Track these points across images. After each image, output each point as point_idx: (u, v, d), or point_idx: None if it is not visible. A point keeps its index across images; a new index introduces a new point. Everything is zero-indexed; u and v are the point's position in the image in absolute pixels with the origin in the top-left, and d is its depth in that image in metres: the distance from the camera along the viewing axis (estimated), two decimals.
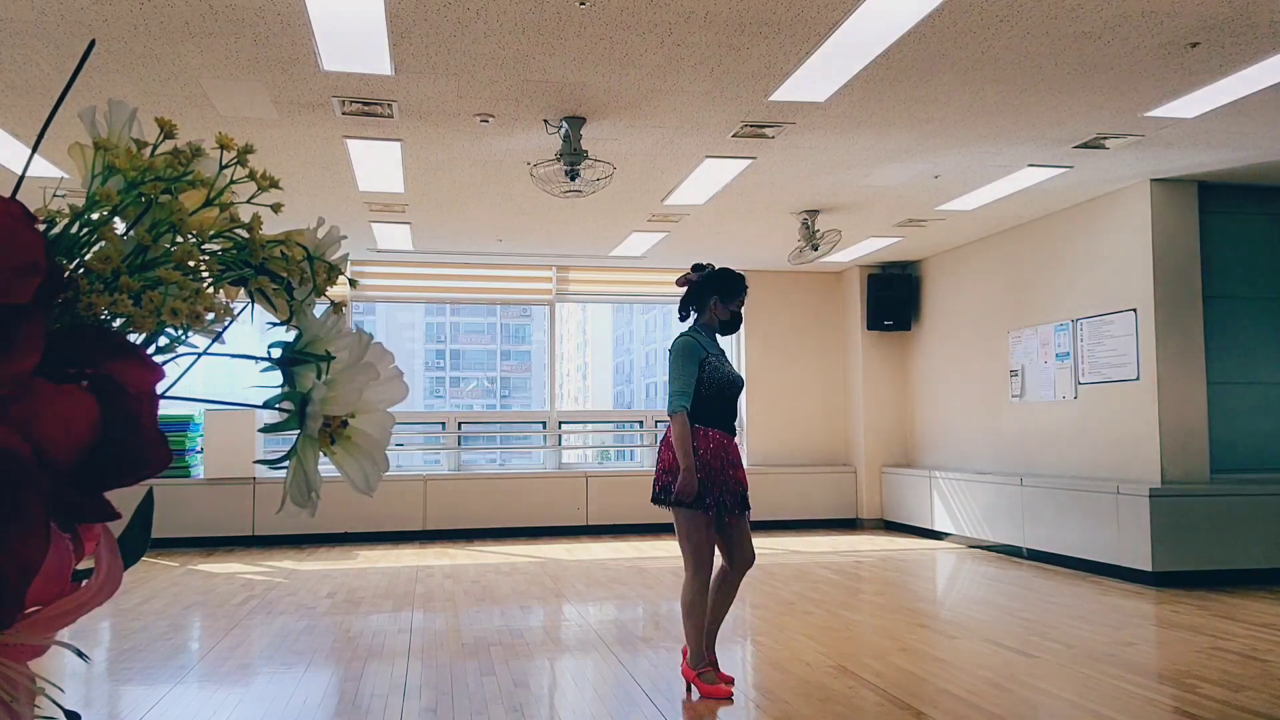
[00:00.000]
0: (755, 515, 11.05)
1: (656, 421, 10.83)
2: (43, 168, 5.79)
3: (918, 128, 5.73)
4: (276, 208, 0.59)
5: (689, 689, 4.15)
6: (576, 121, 5.50)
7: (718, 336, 4.32)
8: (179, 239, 0.54)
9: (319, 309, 0.61)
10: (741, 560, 4.16)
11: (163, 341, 0.54)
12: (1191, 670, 4.38)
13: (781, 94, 5.12)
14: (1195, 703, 3.87)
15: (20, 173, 1.15)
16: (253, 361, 0.59)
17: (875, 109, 5.39)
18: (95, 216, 0.52)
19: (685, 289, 4.34)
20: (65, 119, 0.61)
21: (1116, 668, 4.43)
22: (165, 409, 0.52)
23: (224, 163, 0.57)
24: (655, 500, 4.18)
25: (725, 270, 4.29)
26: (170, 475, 8.93)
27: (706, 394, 4.14)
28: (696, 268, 4.32)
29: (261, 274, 0.58)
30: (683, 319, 4.36)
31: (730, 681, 4.15)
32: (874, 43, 4.46)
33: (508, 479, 10.01)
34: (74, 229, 0.51)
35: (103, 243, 0.51)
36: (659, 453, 4.22)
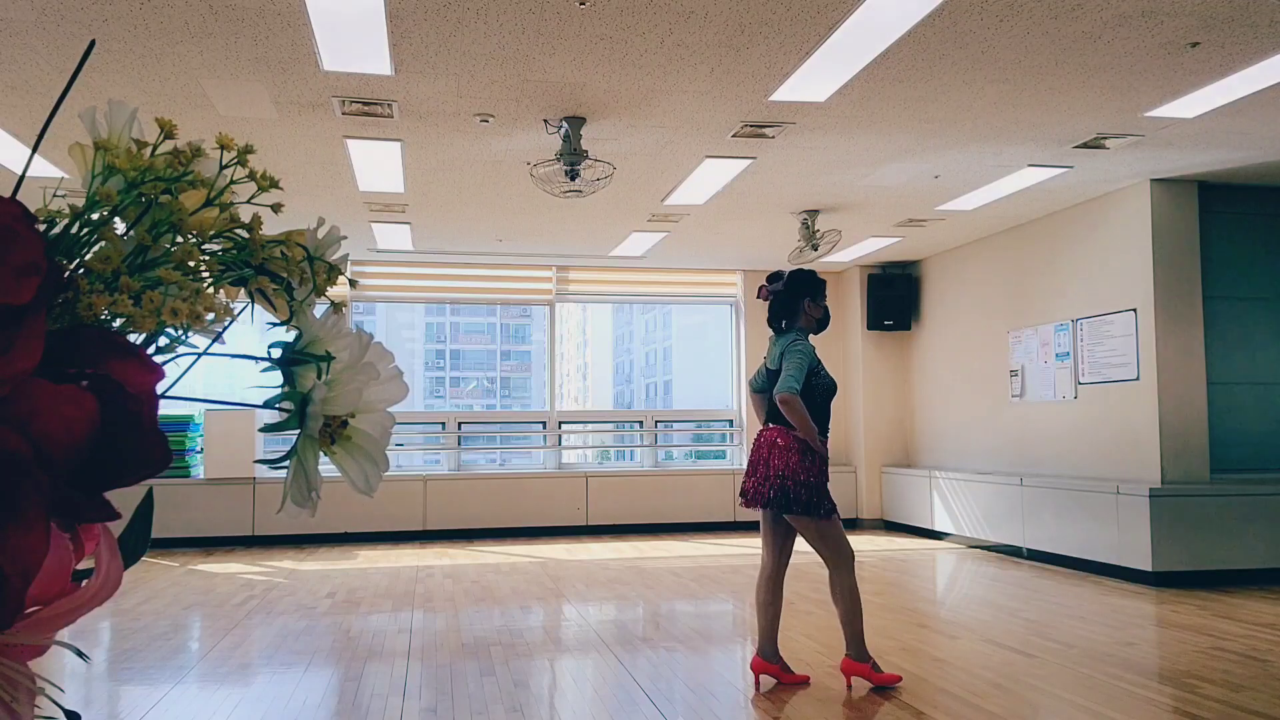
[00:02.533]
0: (755, 516, 11.06)
1: (656, 421, 10.83)
2: (43, 168, 5.79)
3: (918, 128, 5.73)
4: (276, 208, 0.59)
5: (849, 686, 4.12)
6: (576, 121, 5.50)
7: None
8: (179, 239, 0.54)
9: (319, 309, 0.61)
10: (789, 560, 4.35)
11: (163, 341, 0.54)
12: (1191, 670, 4.38)
13: (781, 94, 5.12)
14: (1195, 703, 3.87)
15: (20, 173, 1.15)
16: (253, 361, 0.59)
17: (875, 109, 5.39)
18: (95, 216, 0.52)
19: (770, 300, 4.35)
20: (65, 119, 0.61)
21: (1116, 668, 4.43)
22: (165, 409, 0.52)
23: (224, 163, 0.57)
24: (794, 510, 4.08)
25: (806, 271, 4.38)
26: (170, 475, 8.93)
27: (820, 401, 4.18)
28: (775, 277, 4.35)
29: (261, 274, 0.58)
30: (779, 331, 4.33)
31: (806, 681, 4.22)
32: (874, 43, 4.46)
33: (508, 479, 10.01)
34: (74, 229, 0.51)
35: (103, 243, 0.51)
36: (769, 459, 4.13)
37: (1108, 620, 5.51)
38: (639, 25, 4.26)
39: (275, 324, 0.60)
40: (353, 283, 0.84)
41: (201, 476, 9.20)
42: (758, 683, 4.24)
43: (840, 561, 4.16)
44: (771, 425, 4.20)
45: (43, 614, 0.46)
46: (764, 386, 4.39)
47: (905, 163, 6.48)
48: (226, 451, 9.09)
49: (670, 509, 10.11)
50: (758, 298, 4.44)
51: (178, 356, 0.55)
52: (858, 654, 4.12)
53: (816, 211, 7.86)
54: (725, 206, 7.65)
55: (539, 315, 10.93)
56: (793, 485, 4.06)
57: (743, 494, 4.28)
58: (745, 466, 4.32)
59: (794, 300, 4.30)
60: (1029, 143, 6.05)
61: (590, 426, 11.53)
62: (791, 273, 4.36)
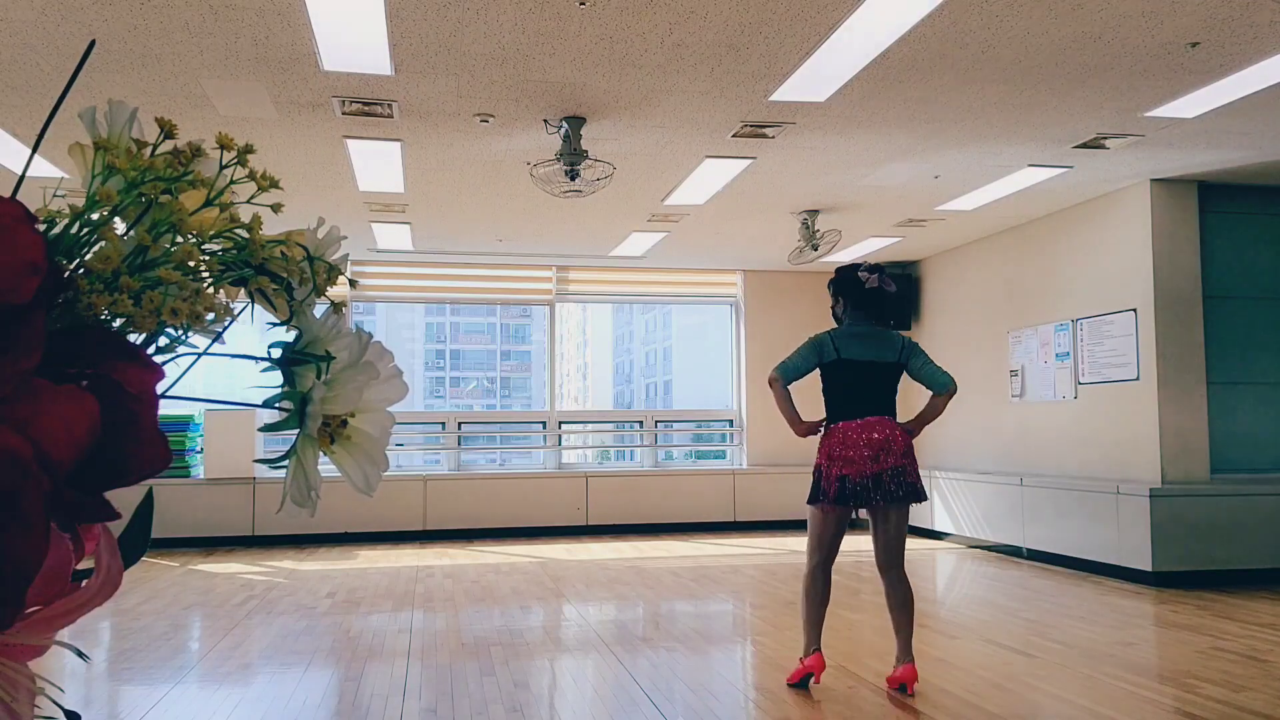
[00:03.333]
0: (755, 516, 10.93)
1: (656, 421, 10.82)
2: (43, 168, 5.79)
3: (918, 128, 5.73)
4: (276, 208, 0.59)
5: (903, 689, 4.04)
6: (576, 121, 5.50)
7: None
8: (179, 239, 0.54)
9: (319, 309, 0.61)
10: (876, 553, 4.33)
11: (163, 341, 0.54)
12: (1191, 670, 4.38)
13: (781, 94, 5.12)
14: (1195, 703, 3.87)
15: (20, 173, 1.15)
16: (253, 361, 0.59)
17: (875, 109, 5.39)
18: (95, 216, 0.52)
19: (893, 293, 4.38)
20: (65, 119, 0.61)
21: (1116, 668, 4.43)
22: (165, 409, 0.52)
23: (224, 163, 0.57)
24: (919, 499, 4.19)
25: None
26: (170, 475, 8.92)
27: (827, 393, 4.29)
28: (881, 269, 4.34)
29: (261, 274, 0.58)
30: (884, 325, 4.38)
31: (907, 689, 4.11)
32: (874, 43, 4.46)
33: (508, 479, 10.01)
34: (74, 229, 0.51)
35: (103, 243, 0.51)
36: (902, 452, 4.15)
37: (1108, 620, 5.51)
38: (639, 25, 4.26)
39: (275, 324, 0.60)
40: (353, 283, 0.84)
41: (201, 476, 9.20)
42: (818, 680, 4.13)
43: (904, 555, 4.22)
44: (879, 417, 4.22)
45: (43, 614, 0.46)
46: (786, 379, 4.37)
47: (905, 163, 6.48)
48: (226, 451, 9.09)
49: (670, 509, 10.10)
50: (868, 286, 4.28)
51: (178, 356, 0.55)
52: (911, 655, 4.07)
53: (816, 211, 7.86)
54: (725, 206, 7.65)
55: (539, 315, 10.93)
56: (918, 476, 4.20)
57: (860, 492, 4.09)
58: (845, 461, 4.14)
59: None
60: (1029, 143, 6.05)
61: (590, 426, 11.53)
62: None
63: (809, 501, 4.27)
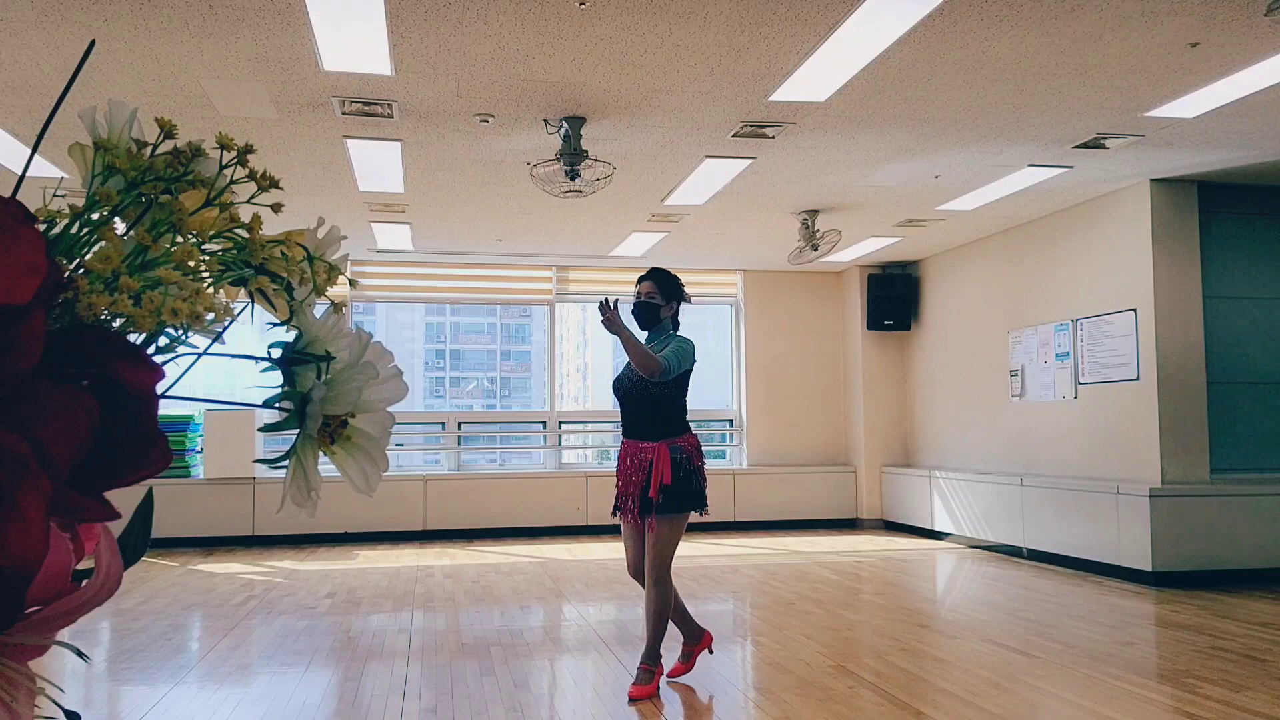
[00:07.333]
0: (755, 515, 10.99)
1: None
2: (43, 168, 5.79)
3: (918, 128, 5.73)
4: (276, 208, 0.59)
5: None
6: (576, 121, 5.50)
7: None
8: (179, 239, 0.54)
9: (319, 309, 0.61)
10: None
11: (163, 341, 0.54)
12: (1191, 670, 4.38)
13: (781, 94, 5.12)
14: (1195, 703, 3.87)
15: (20, 173, 1.15)
16: (253, 361, 0.59)
17: (875, 109, 5.39)
18: (95, 216, 0.52)
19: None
20: (65, 119, 0.61)
21: (1116, 668, 4.43)
22: (165, 409, 0.52)
23: (224, 163, 0.57)
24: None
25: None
26: (170, 475, 8.93)
27: (684, 398, 4.35)
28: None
29: (261, 274, 0.58)
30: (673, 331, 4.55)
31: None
32: (874, 43, 4.46)
33: (508, 479, 10.01)
34: (74, 229, 0.51)
35: (103, 243, 0.51)
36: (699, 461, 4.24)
37: (1108, 620, 5.51)
38: (639, 25, 4.26)
39: (275, 324, 0.60)
40: (353, 283, 0.84)
41: (201, 476, 9.20)
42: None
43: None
44: None
45: (43, 614, 0.46)
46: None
47: (905, 163, 6.48)
48: (226, 451, 9.09)
49: None
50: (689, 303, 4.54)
51: (178, 356, 0.55)
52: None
53: (816, 211, 7.86)
54: (725, 206, 7.65)
55: (539, 315, 10.93)
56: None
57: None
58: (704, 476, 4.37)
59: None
60: (1029, 143, 6.05)
61: (590, 426, 11.53)
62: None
63: (699, 508, 4.26)
